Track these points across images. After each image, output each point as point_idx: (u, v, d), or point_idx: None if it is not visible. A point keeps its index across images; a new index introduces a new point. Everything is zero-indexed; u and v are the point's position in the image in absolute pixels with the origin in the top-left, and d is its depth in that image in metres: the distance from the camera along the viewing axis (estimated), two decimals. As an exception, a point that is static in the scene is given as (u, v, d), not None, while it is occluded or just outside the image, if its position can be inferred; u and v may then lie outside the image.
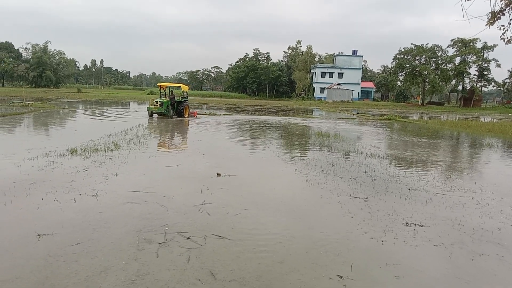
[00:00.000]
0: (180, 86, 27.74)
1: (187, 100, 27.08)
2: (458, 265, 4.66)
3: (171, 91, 26.73)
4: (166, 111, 24.17)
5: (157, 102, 24.09)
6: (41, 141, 13.72)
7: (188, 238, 5.03)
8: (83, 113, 28.23)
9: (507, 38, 6.97)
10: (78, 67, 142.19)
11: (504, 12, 6.86)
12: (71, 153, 10.52)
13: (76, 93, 73.00)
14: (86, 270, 4.09)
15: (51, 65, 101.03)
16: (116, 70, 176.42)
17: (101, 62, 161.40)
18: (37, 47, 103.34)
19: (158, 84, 28.55)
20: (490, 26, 6.82)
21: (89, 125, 20.25)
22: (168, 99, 24.78)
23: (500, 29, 6.92)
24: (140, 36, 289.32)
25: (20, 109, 27.50)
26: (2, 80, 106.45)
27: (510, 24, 6.88)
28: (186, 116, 25.83)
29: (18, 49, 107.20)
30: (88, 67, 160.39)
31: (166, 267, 4.22)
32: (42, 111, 26.89)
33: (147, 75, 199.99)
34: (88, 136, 14.12)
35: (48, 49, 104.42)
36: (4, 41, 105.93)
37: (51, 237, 4.93)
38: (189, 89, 31.10)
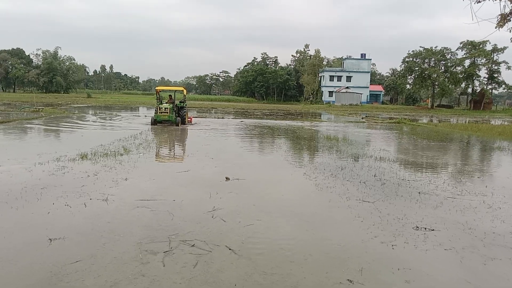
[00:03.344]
0: (182, 90, 25.17)
1: (186, 105, 24.67)
2: (469, 269, 4.61)
3: (169, 95, 24.37)
4: (174, 118, 22.33)
5: (166, 109, 22.04)
6: (52, 146, 13.87)
7: (193, 246, 4.95)
8: (93, 118, 28.46)
9: (517, 40, 6.91)
10: (88, 73, 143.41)
11: (514, 14, 6.81)
12: (81, 158, 10.61)
13: (86, 98, 73.64)
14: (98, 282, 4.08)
15: (61, 70, 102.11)
16: (126, 75, 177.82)
17: (111, 67, 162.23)
18: (47, 53, 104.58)
19: (156, 88, 25.66)
20: (500, 28, 6.77)
21: (99, 129, 20.39)
22: (171, 105, 22.63)
23: (510, 31, 6.86)
24: (149, 42, 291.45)
25: (31, 114, 27.81)
26: (13, 86, 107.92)
27: (520, 26, 6.82)
28: (187, 123, 24.03)
29: (29, 55, 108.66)
30: (98, 72, 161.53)
31: (173, 280, 4.06)
32: (52, 116, 27.17)
33: (156, 80, 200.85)
34: (98, 141, 14.23)
35: (58, 55, 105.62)
36: (15, 48, 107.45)
37: (62, 241, 4.96)
38: (186, 93, 27.34)
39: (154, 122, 22.32)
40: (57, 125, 21.20)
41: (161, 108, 22.20)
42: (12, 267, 4.26)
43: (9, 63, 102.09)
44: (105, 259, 4.49)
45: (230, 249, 4.89)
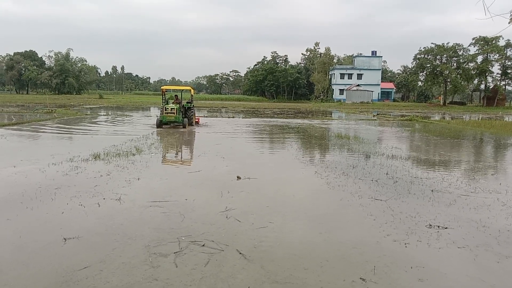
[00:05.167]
0: (189, 90, 24.00)
1: (193, 105, 23.42)
2: (483, 267, 4.57)
3: (175, 95, 23.25)
4: (181, 119, 21.00)
5: (172, 110, 20.60)
6: (65, 146, 14.02)
7: (203, 246, 4.95)
8: (105, 119, 28.70)
9: (531, 35, 6.80)
10: (99, 74, 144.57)
11: (527, 9, 6.70)
12: (94, 158, 10.71)
13: (98, 99, 74.24)
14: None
15: (73, 72, 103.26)
16: (137, 76, 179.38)
17: (122, 68, 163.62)
18: (59, 54, 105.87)
19: (162, 87, 24.44)
20: (513, 23, 6.66)
21: (111, 130, 20.53)
22: (178, 105, 21.33)
23: (523, 26, 6.75)
24: (159, 42, 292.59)
25: (44, 115, 28.14)
26: (26, 88, 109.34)
27: (534, 21, 6.71)
28: (194, 124, 22.86)
29: (41, 57, 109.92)
30: (109, 73, 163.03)
31: (183, 284, 4.02)
32: (65, 117, 27.46)
33: (167, 80, 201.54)
34: (110, 141, 14.36)
35: (70, 57, 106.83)
36: (28, 50, 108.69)
37: (76, 241, 5.03)
38: (195, 92, 26.85)
39: (160, 123, 20.91)
40: (70, 126, 21.42)
41: (167, 108, 20.79)
42: (25, 270, 4.28)
43: (22, 65, 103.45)
44: (116, 263, 4.46)
45: (240, 253, 4.79)
